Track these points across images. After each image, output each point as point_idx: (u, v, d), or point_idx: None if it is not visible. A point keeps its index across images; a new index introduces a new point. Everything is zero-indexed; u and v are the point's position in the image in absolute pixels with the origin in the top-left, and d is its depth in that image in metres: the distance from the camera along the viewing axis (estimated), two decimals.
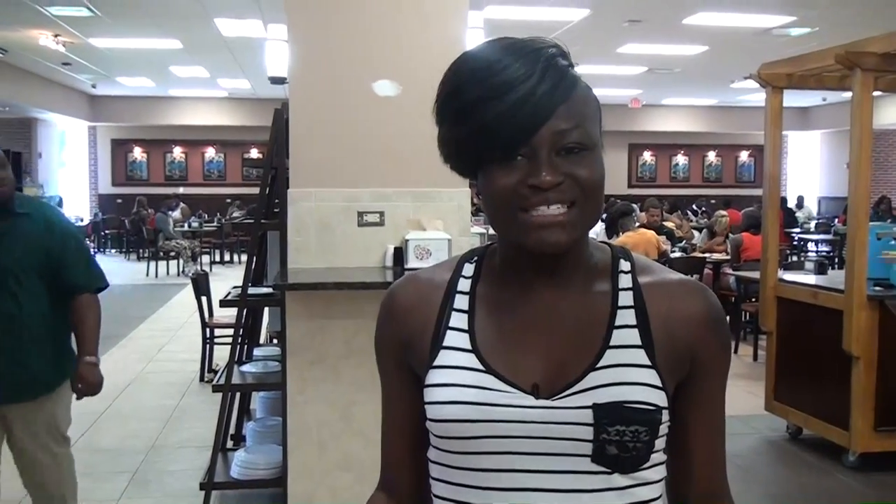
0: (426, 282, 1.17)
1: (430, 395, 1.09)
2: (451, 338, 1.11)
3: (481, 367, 1.07)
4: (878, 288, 4.97)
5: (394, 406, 1.20)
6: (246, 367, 4.36)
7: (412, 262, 3.72)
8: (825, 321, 5.04)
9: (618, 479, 1.05)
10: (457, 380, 1.08)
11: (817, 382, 5.17)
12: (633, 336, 1.07)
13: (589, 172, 1.02)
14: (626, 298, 1.10)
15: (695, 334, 1.10)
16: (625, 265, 1.13)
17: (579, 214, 1.02)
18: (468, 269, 1.16)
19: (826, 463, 5.15)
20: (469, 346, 1.09)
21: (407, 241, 3.77)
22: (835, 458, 5.10)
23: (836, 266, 8.67)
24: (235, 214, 17.04)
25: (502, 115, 0.98)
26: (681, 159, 22.99)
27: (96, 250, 18.23)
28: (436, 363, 1.10)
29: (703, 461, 1.14)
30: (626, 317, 1.09)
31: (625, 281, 1.11)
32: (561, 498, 1.05)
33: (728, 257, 9.06)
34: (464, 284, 1.14)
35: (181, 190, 20.35)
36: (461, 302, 1.13)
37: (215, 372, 6.45)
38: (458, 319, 1.12)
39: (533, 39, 1.03)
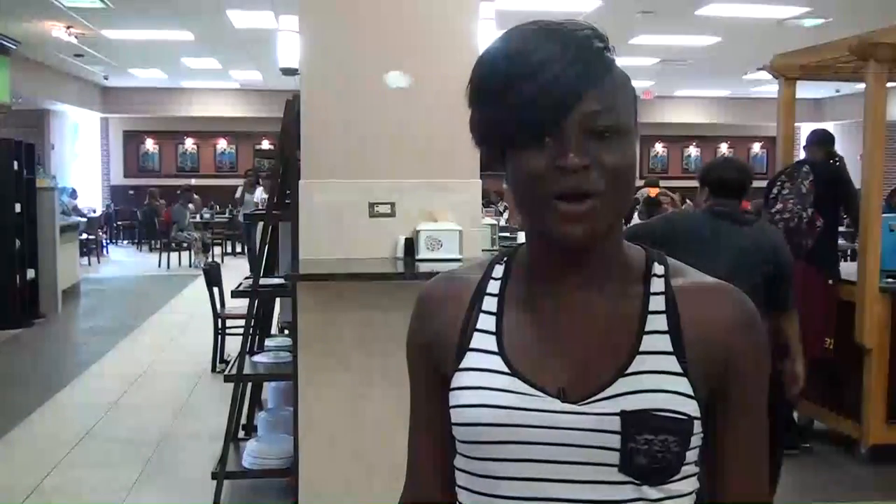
0: (457, 282, 1.15)
1: (455, 398, 1.07)
2: (477, 340, 1.08)
3: (507, 370, 1.05)
4: (890, 280, 4.95)
5: (422, 408, 1.17)
6: (257, 358, 4.38)
7: (423, 254, 3.72)
8: (838, 313, 5.02)
9: (647, 492, 1.01)
10: (482, 382, 1.05)
11: (830, 374, 5.15)
12: (665, 342, 1.04)
13: (618, 158, 0.99)
14: (657, 303, 1.06)
15: (729, 340, 1.05)
16: (658, 268, 1.09)
17: (606, 205, 0.99)
18: (498, 270, 1.13)
19: (838, 455, 5.14)
20: (496, 349, 1.07)
21: (418, 232, 3.77)
22: (847, 451, 5.09)
23: (849, 258, 8.62)
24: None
25: (531, 96, 0.96)
26: (693, 151, 22.89)
27: (108, 241, 18.31)
28: (462, 366, 1.08)
29: (741, 471, 1.09)
30: (658, 322, 1.05)
31: (657, 285, 1.07)
32: None
33: None
34: (493, 286, 1.12)
35: (193, 181, 20.38)
36: (489, 304, 1.10)
37: (227, 362, 6.47)
38: (486, 321, 1.09)
39: (568, 21, 1.01)
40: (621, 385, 1.01)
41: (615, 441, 1.00)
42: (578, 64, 0.97)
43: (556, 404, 1.02)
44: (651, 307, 1.06)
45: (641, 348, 1.03)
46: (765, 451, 1.12)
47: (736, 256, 3.35)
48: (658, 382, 1.01)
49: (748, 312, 1.08)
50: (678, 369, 1.03)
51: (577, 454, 1.01)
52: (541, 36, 0.99)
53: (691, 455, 1.03)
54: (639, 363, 1.03)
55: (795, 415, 5.40)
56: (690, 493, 1.06)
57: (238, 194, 15.57)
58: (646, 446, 0.99)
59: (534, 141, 0.98)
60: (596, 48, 1.00)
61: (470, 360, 1.08)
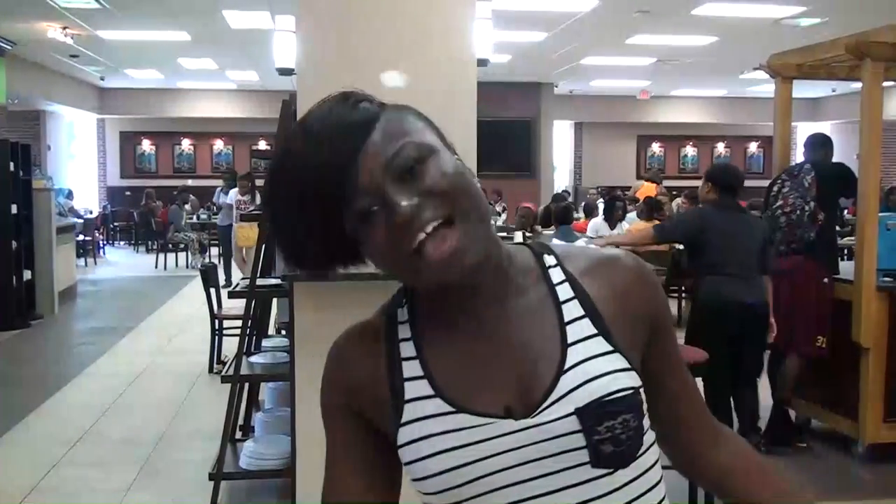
0: (366, 335, 1.11)
1: (408, 454, 1.04)
2: (411, 389, 1.05)
3: (450, 409, 1.03)
4: (887, 279, 4.95)
5: (350, 451, 1.12)
6: (254, 358, 4.38)
7: None
8: (835, 312, 5.02)
9: (622, 475, 1.03)
10: (430, 430, 1.02)
11: (827, 373, 5.16)
12: (587, 326, 1.05)
13: (439, 176, 0.98)
14: (565, 291, 1.07)
15: (641, 298, 1.09)
16: (550, 259, 1.10)
17: (462, 226, 0.98)
18: (401, 313, 1.11)
19: (835, 454, 5.14)
20: (432, 392, 1.04)
21: None
22: (844, 450, 5.09)
23: (846, 257, 8.63)
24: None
25: (326, 185, 0.98)
26: (690, 150, 22.89)
27: (105, 242, 18.29)
28: (403, 420, 1.05)
29: (694, 413, 1.18)
30: (573, 309, 1.06)
31: (557, 275, 1.08)
32: None
33: None
34: (403, 331, 1.09)
35: (189, 182, 20.35)
36: (407, 350, 1.08)
37: (224, 363, 6.46)
38: (411, 368, 1.06)
39: (314, 107, 1.03)
40: (564, 383, 1.02)
41: (579, 440, 1.00)
42: (333, 135, 0.98)
43: (510, 424, 1.01)
44: (561, 297, 1.07)
45: (569, 340, 1.04)
46: (697, 387, 1.20)
47: (747, 238, 4.74)
48: (596, 367, 1.02)
49: (641, 265, 1.12)
50: (608, 347, 1.04)
51: (546, 465, 1.01)
52: (298, 134, 1.01)
53: (646, 423, 1.05)
54: (572, 355, 1.03)
55: (793, 414, 5.41)
56: (656, 463, 1.08)
57: (216, 198, 14.42)
58: (609, 434, 1.00)
59: (363, 219, 0.99)
60: (346, 108, 1.00)
61: (410, 411, 1.04)
